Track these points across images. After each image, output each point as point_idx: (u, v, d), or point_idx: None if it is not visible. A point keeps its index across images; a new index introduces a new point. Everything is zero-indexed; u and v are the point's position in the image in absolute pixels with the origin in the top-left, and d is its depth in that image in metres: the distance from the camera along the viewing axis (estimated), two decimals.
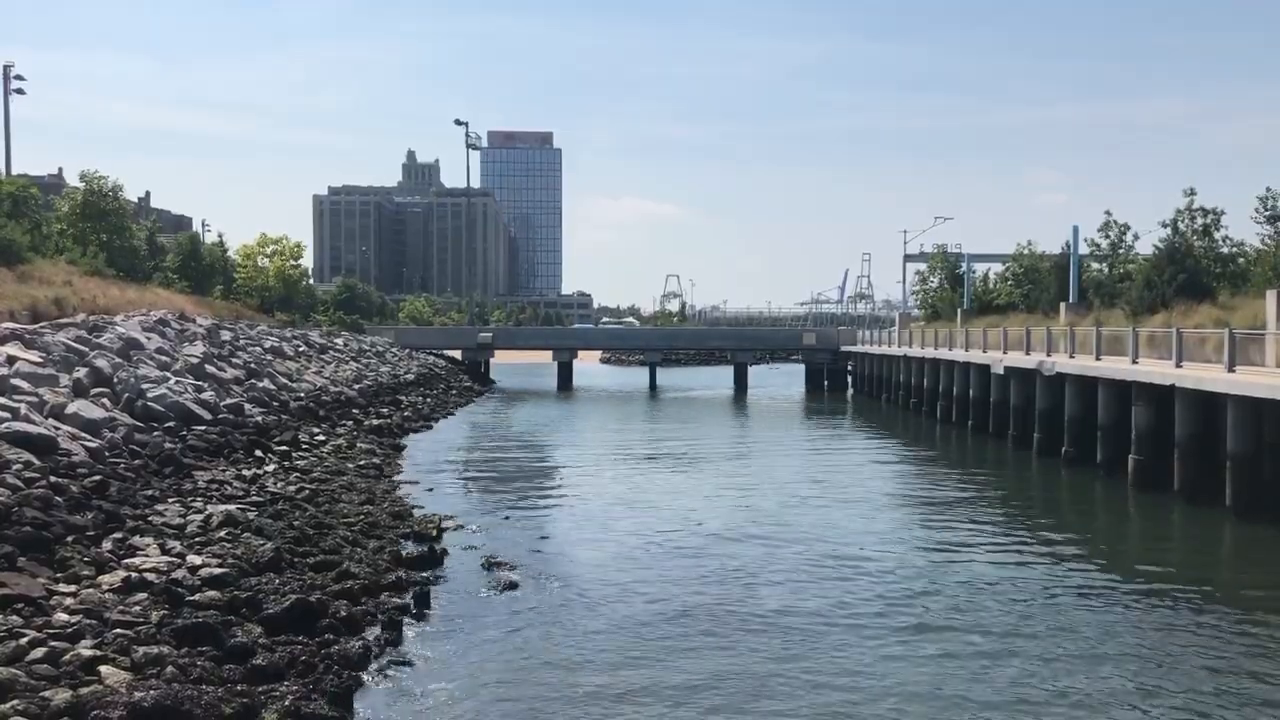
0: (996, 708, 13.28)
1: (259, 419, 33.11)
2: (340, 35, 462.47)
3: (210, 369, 36.15)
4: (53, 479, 18.94)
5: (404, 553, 20.23)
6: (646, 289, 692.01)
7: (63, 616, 13.35)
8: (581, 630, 16.38)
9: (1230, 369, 27.34)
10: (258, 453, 28.48)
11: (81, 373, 27.59)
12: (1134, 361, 32.51)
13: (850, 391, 79.57)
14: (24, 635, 12.44)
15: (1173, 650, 15.64)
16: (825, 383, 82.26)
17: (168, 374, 32.00)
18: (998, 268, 73.84)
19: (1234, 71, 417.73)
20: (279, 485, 24.63)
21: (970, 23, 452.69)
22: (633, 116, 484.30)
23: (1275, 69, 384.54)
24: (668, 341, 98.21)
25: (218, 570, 16.17)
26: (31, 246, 45.11)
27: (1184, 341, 30.47)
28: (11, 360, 25.81)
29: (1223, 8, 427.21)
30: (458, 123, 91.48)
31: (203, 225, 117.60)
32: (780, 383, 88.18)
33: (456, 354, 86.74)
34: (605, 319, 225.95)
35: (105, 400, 26.76)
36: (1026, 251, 65.75)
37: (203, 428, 28.45)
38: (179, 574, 15.80)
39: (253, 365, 41.64)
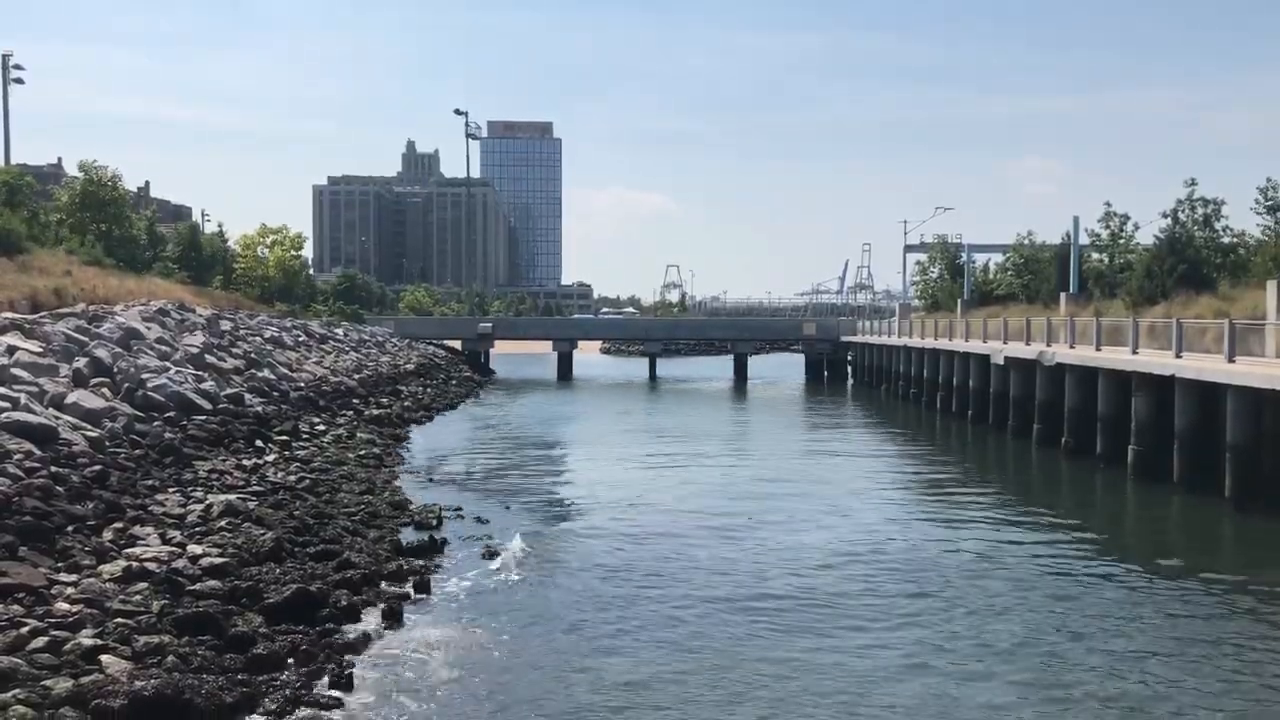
0: (992, 696, 13.32)
1: (259, 409, 33.12)
2: (340, 25, 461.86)
3: (210, 359, 36.16)
4: (53, 469, 18.97)
5: (404, 542, 20.28)
6: (646, 280, 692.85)
7: (64, 606, 13.39)
8: (581, 618, 16.41)
9: (1230, 359, 27.34)
10: (258, 443, 28.50)
11: (81, 363, 27.60)
12: (1134, 352, 32.49)
13: (850, 382, 79.58)
14: (25, 624, 12.48)
15: (1171, 639, 15.67)
16: (825, 373, 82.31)
17: (168, 364, 31.99)
18: (998, 258, 73.86)
19: (1233, 62, 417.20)
20: (279, 475, 24.67)
21: (968, 14, 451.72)
22: (633, 107, 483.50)
23: (1275, 60, 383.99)
24: (668, 332, 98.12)
25: (218, 560, 16.22)
26: (30, 236, 45.08)
27: (1184, 332, 30.44)
28: (11, 350, 25.81)
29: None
30: (457, 113, 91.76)
31: (202, 215, 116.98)
32: (778, 374, 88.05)
33: (456, 344, 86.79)
34: (605, 309, 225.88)
35: (105, 390, 26.77)
36: (1026, 242, 65.72)
37: (203, 418, 28.46)
38: (180, 563, 15.84)
39: (253, 355, 41.63)
